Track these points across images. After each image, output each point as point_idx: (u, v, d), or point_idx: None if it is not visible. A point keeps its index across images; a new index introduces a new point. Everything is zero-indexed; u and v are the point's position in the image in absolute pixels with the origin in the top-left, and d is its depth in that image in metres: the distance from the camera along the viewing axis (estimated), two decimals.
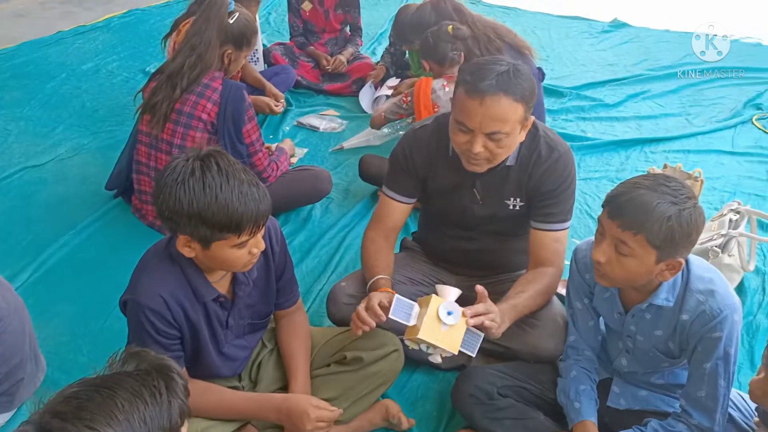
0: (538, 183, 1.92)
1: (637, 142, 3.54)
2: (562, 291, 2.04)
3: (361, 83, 3.99)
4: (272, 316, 1.89)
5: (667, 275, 1.55)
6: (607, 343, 1.87)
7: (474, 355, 1.71)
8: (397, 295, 1.67)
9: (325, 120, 3.70)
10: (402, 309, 1.66)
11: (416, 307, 1.68)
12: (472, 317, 1.64)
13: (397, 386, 2.01)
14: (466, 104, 1.75)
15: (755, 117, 3.79)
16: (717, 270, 1.68)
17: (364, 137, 3.48)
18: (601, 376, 1.87)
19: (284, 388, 1.82)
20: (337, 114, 3.81)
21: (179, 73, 2.52)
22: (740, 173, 3.29)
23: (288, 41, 4.21)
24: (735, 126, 3.71)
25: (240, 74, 3.29)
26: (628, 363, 1.80)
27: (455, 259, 2.17)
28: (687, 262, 1.63)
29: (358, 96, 3.94)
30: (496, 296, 1.89)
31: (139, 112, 2.66)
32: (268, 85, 3.50)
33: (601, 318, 1.85)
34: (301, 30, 4.14)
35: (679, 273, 1.61)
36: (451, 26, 2.87)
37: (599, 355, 1.88)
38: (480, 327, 1.69)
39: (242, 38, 2.59)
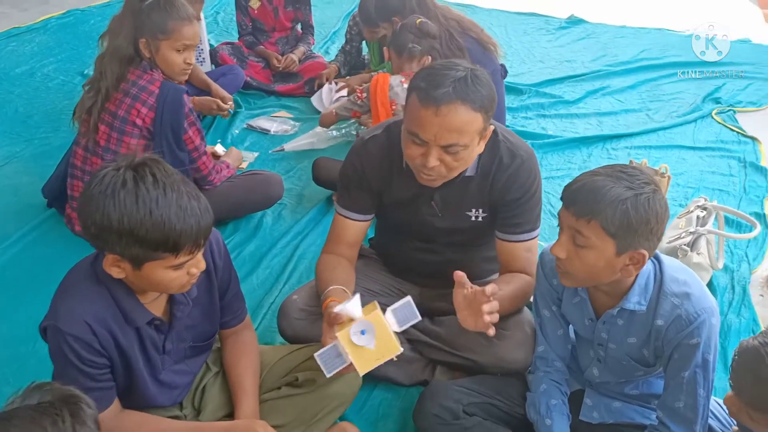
0: (501, 192, 1.80)
1: (599, 138, 3.48)
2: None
3: (313, 83, 3.82)
4: (217, 336, 1.72)
5: (632, 270, 1.46)
6: (578, 351, 1.77)
7: (420, 318, 1.53)
8: (316, 354, 1.50)
9: (277, 122, 3.52)
10: (330, 357, 1.50)
11: (339, 345, 1.50)
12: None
13: (356, 405, 1.87)
14: (420, 114, 1.60)
15: (715, 111, 3.77)
16: (691, 270, 1.59)
17: (307, 139, 3.30)
18: (573, 387, 1.77)
19: (231, 414, 1.66)
20: (290, 116, 3.64)
21: (104, 71, 2.34)
22: (703, 168, 3.25)
23: (236, 41, 4.02)
24: (695, 121, 3.68)
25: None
26: (600, 373, 1.70)
27: (417, 270, 2.04)
28: (659, 262, 1.55)
29: (310, 97, 3.77)
30: None
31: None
32: (215, 86, 3.31)
33: (570, 326, 1.74)
34: (249, 29, 3.96)
35: (651, 274, 1.53)
36: (419, 20, 2.76)
37: (569, 365, 1.77)
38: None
39: (154, 25, 2.29)
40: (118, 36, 2.34)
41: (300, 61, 3.91)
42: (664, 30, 5.03)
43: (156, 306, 1.49)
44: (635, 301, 1.52)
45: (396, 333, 1.50)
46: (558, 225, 1.51)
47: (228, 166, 2.74)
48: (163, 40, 2.32)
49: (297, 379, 1.70)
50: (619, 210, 1.38)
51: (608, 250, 1.42)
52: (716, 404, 1.68)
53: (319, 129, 3.27)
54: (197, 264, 1.40)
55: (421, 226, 1.91)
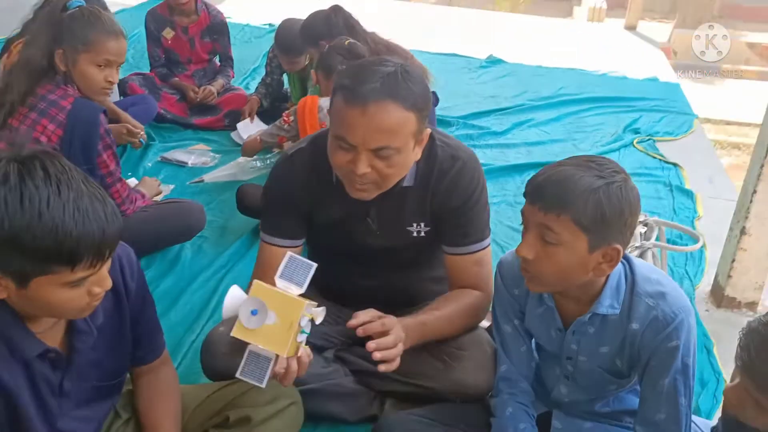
0: (444, 199, 1.63)
1: (531, 166, 3.44)
2: (486, 324, 1.76)
3: (233, 116, 3.61)
4: (128, 375, 1.45)
5: (605, 269, 1.33)
6: (543, 370, 1.61)
7: (315, 264, 1.30)
8: (237, 374, 1.29)
9: (195, 154, 3.27)
10: (252, 365, 1.29)
11: (249, 344, 1.29)
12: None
13: None
14: (346, 114, 1.43)
15: (636, 140, 3.86)
16: (661, 270, 1.48)
17: (228, 170, 3.08)
18: (539, 410, 1.60)
19: None
20: (209, 148, 3.41)
21: (10, 83, 2.08)
22: None
23: (148, 72, 3.77)
24: (619, 149, 3.75)
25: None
26: (569, 391, 1.55)
27: (357, 296, 1.82)
28: (629, 262, 1.43)
29: (229, 130, 3.56)
30: None
31: None
32: (124, 115, 3.03)
33: (533, 342, 1.58)
34: (162, 60, 3.72)
35: (622, 275, 1.41)
36: (348, 41, 2.64)
37: (533, 386, 1.60)
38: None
39: (74, 35, 2.07)
40: (32, 46, 2.09)
41: (219, 93, 3.71)
42: (578, 70, 5.21)
43: (51, 335, 1.21)
44: (607, 305, 1.39)
45: (300, 295, 1.29)
46: (521, 224, 1.37)
47: (143, 196, 2.47)
48: (83, 52, 2.09)
49: (228, 419, 1.44)
50: (592, 200, 1.25)
51: (580, 246, 1.29)
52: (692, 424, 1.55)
53: (241, 159, 3.06)
54: (101, 281, 1.14)
55: (356, 248, 1.71)
